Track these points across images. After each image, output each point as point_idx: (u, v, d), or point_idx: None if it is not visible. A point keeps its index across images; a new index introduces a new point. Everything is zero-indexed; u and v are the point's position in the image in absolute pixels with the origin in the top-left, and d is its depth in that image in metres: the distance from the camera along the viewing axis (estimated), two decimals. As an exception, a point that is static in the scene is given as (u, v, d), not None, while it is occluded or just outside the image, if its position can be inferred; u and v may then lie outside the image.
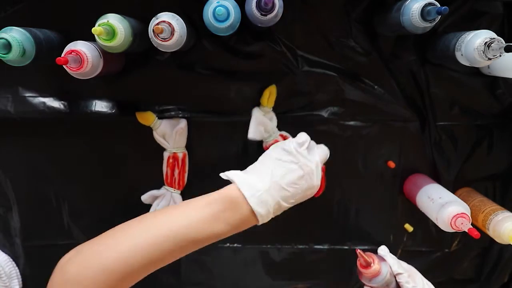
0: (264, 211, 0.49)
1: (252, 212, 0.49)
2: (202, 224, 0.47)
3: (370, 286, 0.59)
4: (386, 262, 0.60)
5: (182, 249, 0.47)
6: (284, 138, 0.68)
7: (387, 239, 0.74)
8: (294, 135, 0.69)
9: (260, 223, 0.51)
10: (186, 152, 0.69)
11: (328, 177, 0.70)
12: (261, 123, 0.67)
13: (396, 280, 0.59)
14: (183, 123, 0.68)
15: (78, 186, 0.70)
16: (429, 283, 0.59)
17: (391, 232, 0.74)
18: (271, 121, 0.68)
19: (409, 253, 0.74)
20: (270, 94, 0.67)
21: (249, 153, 0.70)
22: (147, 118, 0.67)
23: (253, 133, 0.67)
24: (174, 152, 0.68)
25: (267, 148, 0.64)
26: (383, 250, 0.62)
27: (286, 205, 0.52)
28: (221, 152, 0.70)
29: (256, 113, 0.67)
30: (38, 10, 0.64)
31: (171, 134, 0.67)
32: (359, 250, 0.59)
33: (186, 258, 0.73)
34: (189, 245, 0.47)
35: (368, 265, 0.58)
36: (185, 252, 0.48)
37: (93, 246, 0.47)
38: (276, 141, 0.67)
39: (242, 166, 0.56)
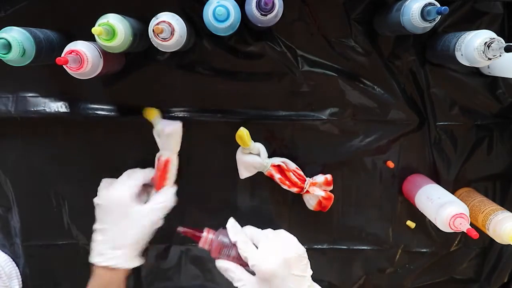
0: None
1: None
2: None
3: (217, 258, 0.60)
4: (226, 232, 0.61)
5: None
6: (282, 169, 0.67)
7: (387, 239, 0.74)
8: (293, 136, 0.70)
9: None
10: (172, 159, 0.66)
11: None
12: (244, 163, 0.67)
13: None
14: (171, 127, 0.64)
15: (78, 186, 0.70)
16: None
17: (390, 232, 0.74)
18: (260, 154, 0.67)
19: (409, 253, 0.74)
20: (240, 139, 0.64)
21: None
22: (150, 112, 0.65)
23: (243, 174, 0.68)
24: (161, 154, 0.66)
25: (270, 175, 0.67)
26: (229, 222, 0.61)
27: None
28: (221, 152, 0.70)
29: (239, 156, 0.67)
30: (38, 10, 0.64)
31: (162, 136, 0.66)
32: (180, 228, 0.60)
33: (185, 258, 0.75)
34: None
35: (196, 237, 0.60)
36: None
37: None
38: (273, 165, 0.67)
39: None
